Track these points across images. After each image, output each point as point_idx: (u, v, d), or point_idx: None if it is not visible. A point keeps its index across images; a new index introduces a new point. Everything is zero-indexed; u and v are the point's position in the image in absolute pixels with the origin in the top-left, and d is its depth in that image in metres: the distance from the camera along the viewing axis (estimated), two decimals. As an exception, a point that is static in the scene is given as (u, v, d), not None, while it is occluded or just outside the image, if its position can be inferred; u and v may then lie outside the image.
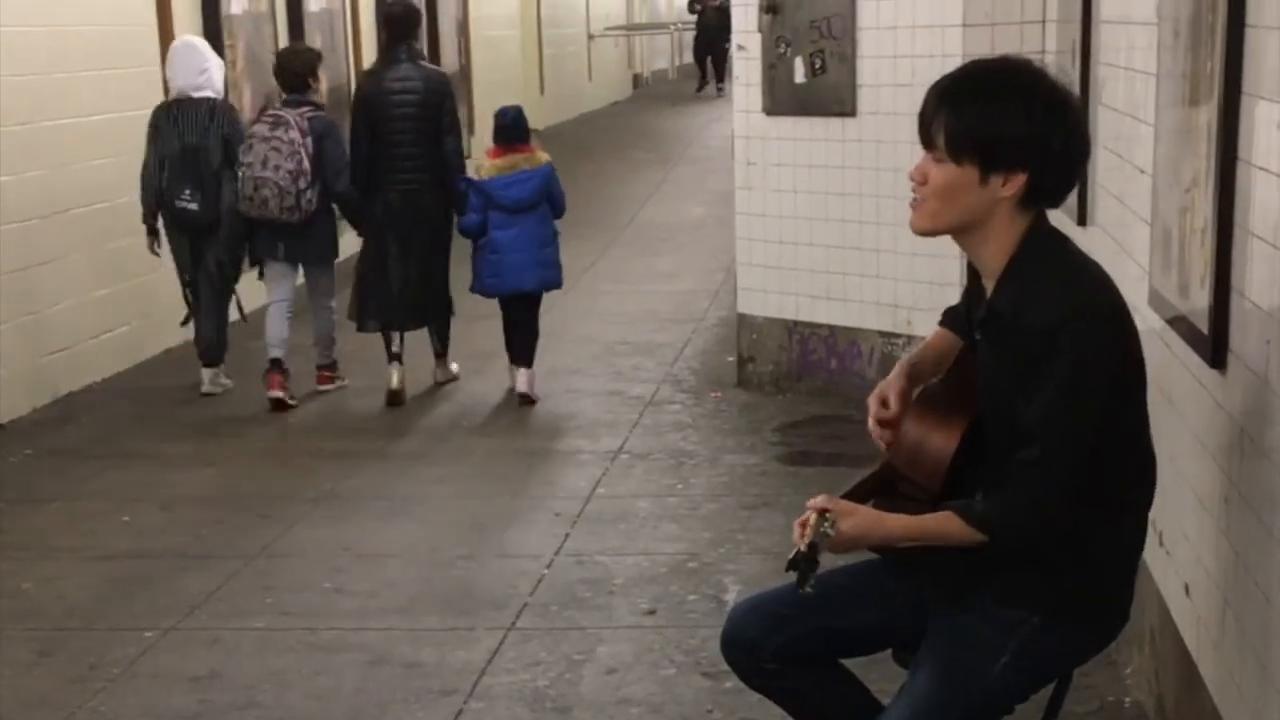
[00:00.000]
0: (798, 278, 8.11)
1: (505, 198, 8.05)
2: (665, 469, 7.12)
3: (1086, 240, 5.16)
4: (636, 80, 27.72)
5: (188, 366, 9.44)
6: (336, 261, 8.66)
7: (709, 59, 26.13)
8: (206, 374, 8.65)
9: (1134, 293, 4.11)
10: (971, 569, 3.05)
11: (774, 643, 3.24)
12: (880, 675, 3.50)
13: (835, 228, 7.86)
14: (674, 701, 4.72)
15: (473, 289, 8.38)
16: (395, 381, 8.40)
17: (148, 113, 9.32)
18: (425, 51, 14.53)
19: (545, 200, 8.17)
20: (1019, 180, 2.93)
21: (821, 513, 2.89)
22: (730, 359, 8.83)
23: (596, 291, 11.34)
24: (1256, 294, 3.16)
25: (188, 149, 8.21)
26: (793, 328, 8.22)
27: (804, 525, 2.90)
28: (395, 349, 8.47)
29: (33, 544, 6.34)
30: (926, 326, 7.20)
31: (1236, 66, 3.27)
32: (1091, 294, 2.94)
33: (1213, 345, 3.43)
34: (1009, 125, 2.90)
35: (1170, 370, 3.96)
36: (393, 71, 8.27)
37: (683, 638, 5.16)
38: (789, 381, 8.28)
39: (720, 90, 25.13)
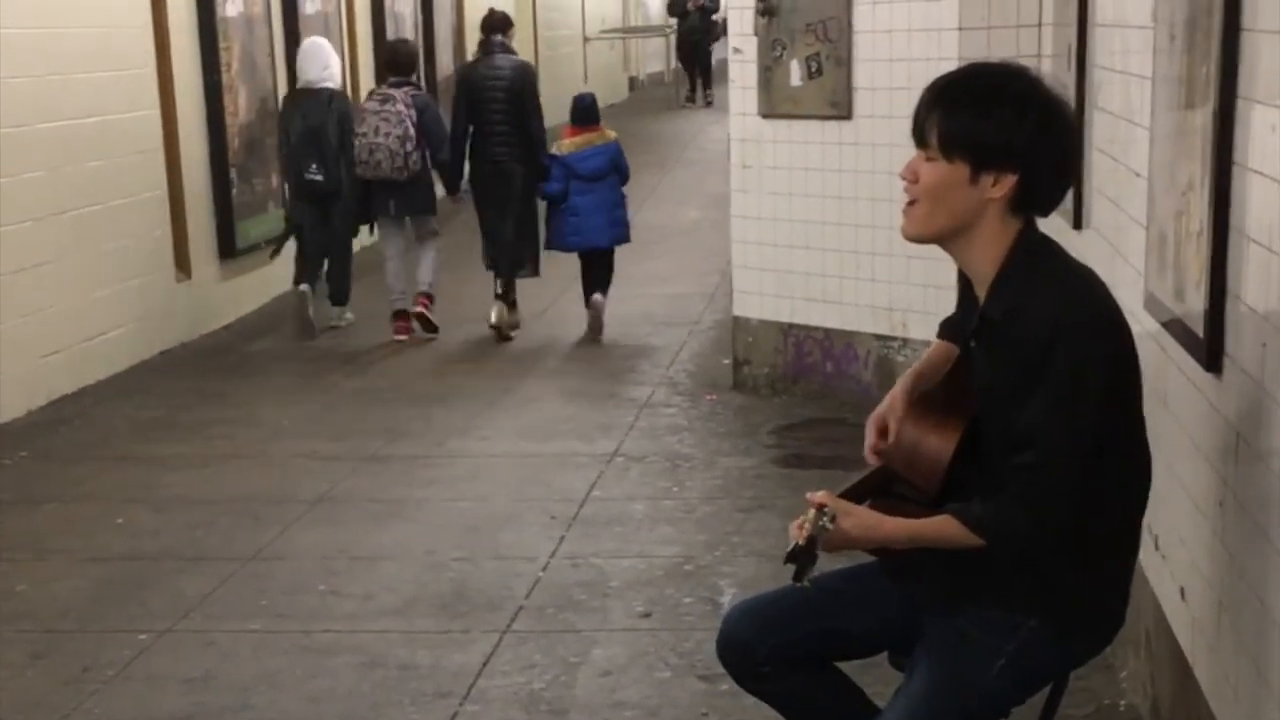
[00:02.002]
0: (793, 281, 8.11)
1: (583, 168, 9.73)
2: (661, 472, 7.12)
3: (1082, 244, 5.16)
4: (632, 83, 27.68)
5: (182, 369, 9.46)
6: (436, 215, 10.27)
7: (695, 65, 25.48)
8: (335, 311, 10.38)
9: (1129, 296, 4.12)
10: (968, 573, 3.05)
11: (769, 645, 3.24)
12: (875, 678, 3.50)
13: (831, 231, 7.86)
14: (669, 704, 4.71)
15: (548, 246, 9.98)
16: (494, 317, 9.94)
17: (142, 114, 9.48)
18: (423, 55, 14.83)
19: (615, 171, 9.85)
20: (1009, 181, 2.93)
21: (820, 507, 2.90)
22: (726, 362, 8.83)
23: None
24: (1252, 298, 3.16)
25: (310, 130, 9.85)
26: (788, 330, 8.22)
27: (802, 524, 2.90)
28: (499, 291, 9.98)
29: (27, 545, 6.33)
30: (921, 329, 7.24)
31: (1232, 70, 3.27)
32: (1085, 300, 2.94)
33: (1208, 349, 3.43)
34: (1002, 125, 2.91)
35: (1166, 374, 3.96)
36: (488, 61, 9.98)
37: (678, 640, 5.16)
38: (784, 384, 8.28)
39: (709, 100, 24.77)
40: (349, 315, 10.49)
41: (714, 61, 25.13)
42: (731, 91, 8.38)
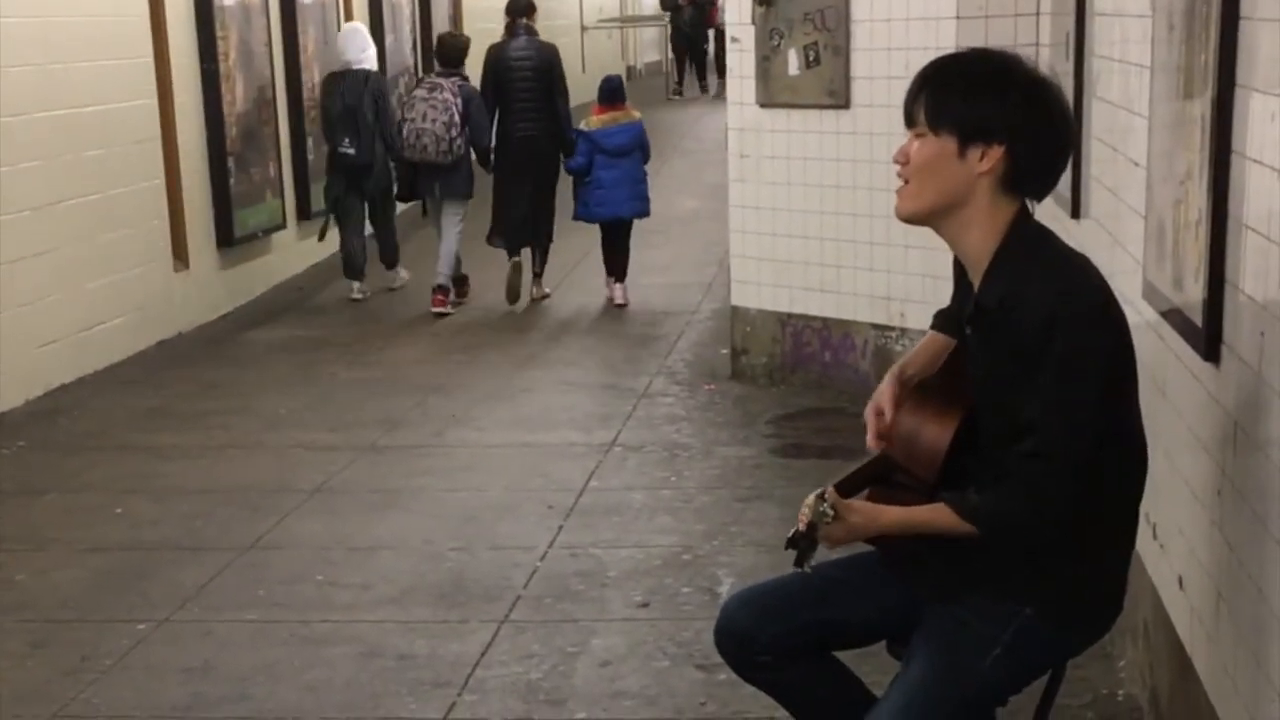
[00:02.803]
0: (791, 270, 8.10)
1: (609, 144, 10.40)
2: (659, 461, 7.12)
3: (1080, 233, 5.16)
4: (629, 72, 27.62)
5: (180, 359, 9.46)
6: (470, 201, 10.78)
7: (688, 58, 25.41)
8: (388, 275, 11.28)
9: (1128, 286, 4.12)
10: (966, 562, 3.05)
11: (767, 634, 3.24)
12: (873, 667, 3.50)
13: (829, 220, 7.86)
14: (668, 694, 4.71)
15: (575, 217, 10.64)
16: (515, 279, 10.53)
17: (140, 104, 9.47)
18: (420, 45, 14.94)
19: (638, 148, 10.52)
20: (996, 154, 2.94)
21: (820, 494, 2.91)
22: (724, 351, 8.83)
23: (590, 285, 11.33)
24: (1250, 286, 3.16)
25: (348, 108, 10.62)
26: (786, 320, 8.22)
27: (803, 511, 2.92)
28: (516, 258, 10.57)
29: (26, 536, 6.33)
30: (919, 319, 7.22)
31: (1231, 59, 3.26)
32: (1082, 288, 2.94)
33: (1206, 338, 3.43)
34: (987, 97, 2.95)
35: (1164, 363, 3.96)
36: (513, 44, 10.74)
37: (676, 630, 5.16)
38: (782, 374, 8.28)
39: (704, 89, 24.78)
40: (403, 274, 11.36)
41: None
42: (730, 81, 8.37)
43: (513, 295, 10.54)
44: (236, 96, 10.76)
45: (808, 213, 7.95)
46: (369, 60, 10.92)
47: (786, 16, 7.81)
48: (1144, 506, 3.17)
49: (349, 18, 13.44)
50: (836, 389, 7.94)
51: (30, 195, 8.33)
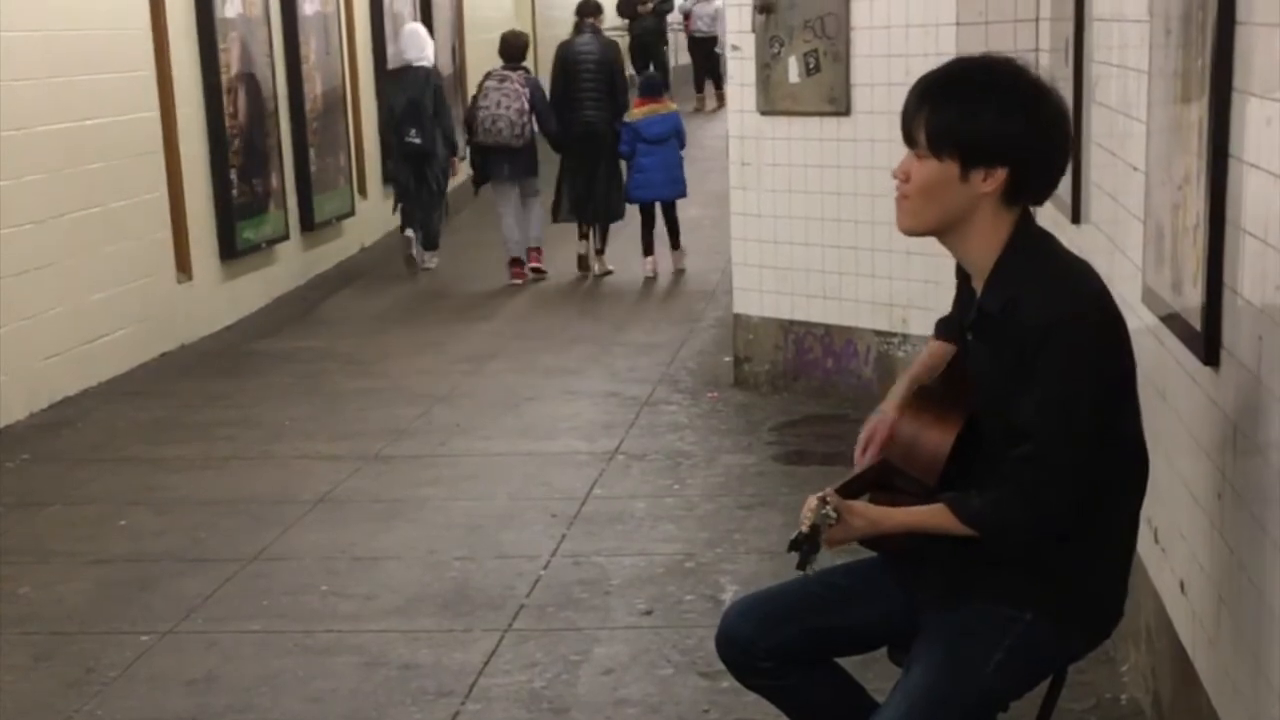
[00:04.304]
0: (793, 277, 8.11)
1: (650, 133, 11.70)
2: (662, 469, 7.12)
3: (1080, 238, 5.17)
4: (630, 80, 27.55)
5: (184, 370, 9.48)
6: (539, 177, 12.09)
7: (646, 69, 25.06)
8: (425, 255, 12.51)
9: (1127, 290, 4.12)
10: (967, 567, 3.05)
11: (769, 641, 3.24)
12: (875, 674, 3.50)
13: (830, 227, 7.86)
14: (671, 701, 4.72)
15: (627, 199, 11.86)
16: (584, 249, 12.07)
17: (142, 116, 9.49)
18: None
19: (674, 135, 11.81)
20: (999, 176, 2.94)
21: (822, 497, 2.92)
22: (727, 359, 8.84)
23: (592, 292, 11.35)
24: (1248, 290, 3.16)
25: (411, 101, 12.00)
26: (789, 327, 8.22)
27: (805, 514, 2.92)
28: (585, 229, 12.00)
29: (30, 548, 6.34)
30: (921, 325, 7.24)
31: (1227, 63, 3.27)
32: (1081, 291, 2.95)
33: (1205, 342, 3.43)
34: (988, 121, 2.91)
35: (1164, 367, 3.96)
36: (579, 40, 12.19)
37: (679, 638, 5.16)
38: (785, 381, 8.28)
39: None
40: (435, 260, 12.57)
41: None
42: (730, 89, 8.39)
43: (582, 263, 12.01)
44: (238, 108, 10.78)
45: (809, 220, 7.96)
46: (428, 58, 12.19)
47: (787, 24, 7.82)
48: (1145, 510, 3.17)
49: (350, 29, 13.50)
50: (839, 396, 7.95)
51: (33, 208, 8.35)
